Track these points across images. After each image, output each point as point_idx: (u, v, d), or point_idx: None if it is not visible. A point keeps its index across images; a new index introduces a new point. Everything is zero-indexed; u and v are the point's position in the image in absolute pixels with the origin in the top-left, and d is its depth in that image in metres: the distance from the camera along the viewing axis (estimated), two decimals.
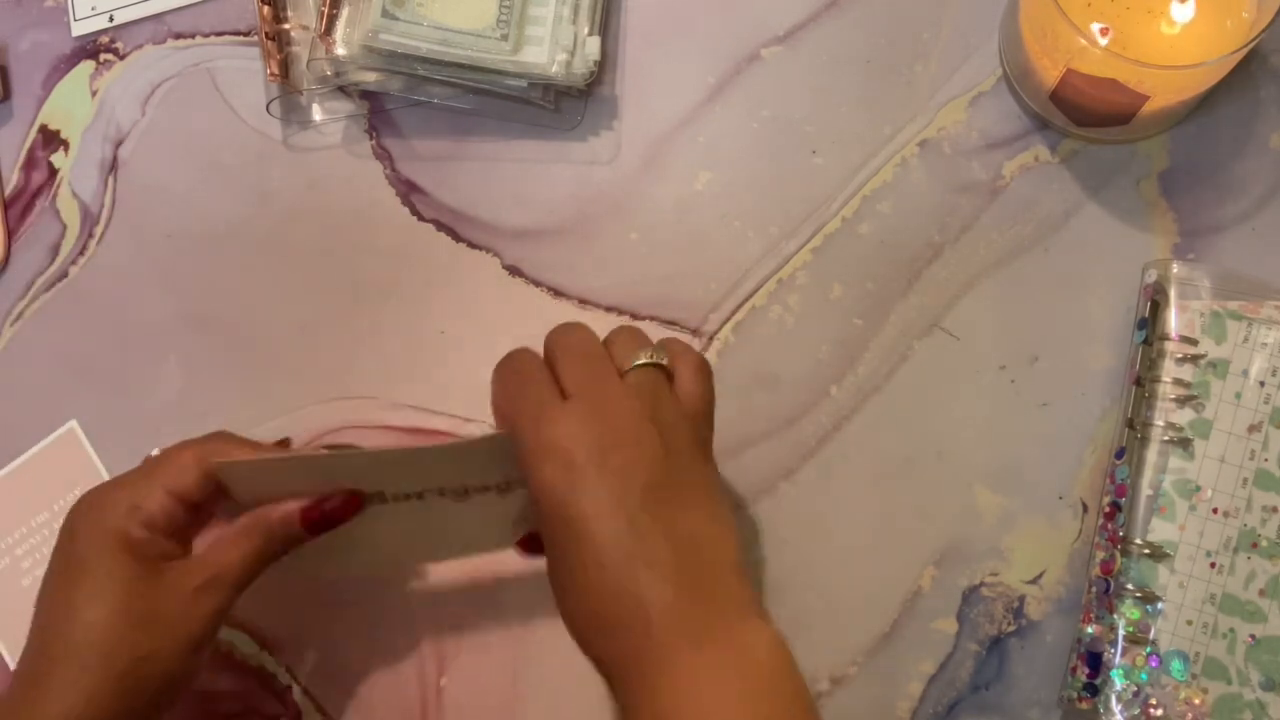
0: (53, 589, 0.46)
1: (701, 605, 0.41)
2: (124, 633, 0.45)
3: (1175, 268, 0.53)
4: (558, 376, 0.45)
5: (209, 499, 0.49)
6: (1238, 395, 0.52)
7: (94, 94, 0.63)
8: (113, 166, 0.62)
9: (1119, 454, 0.53)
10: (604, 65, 0.60)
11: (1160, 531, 0.51)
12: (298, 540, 0.49)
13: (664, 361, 0.46)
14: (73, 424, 0.60)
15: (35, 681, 0.44)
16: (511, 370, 0.47)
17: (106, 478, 0.59)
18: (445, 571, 0.56)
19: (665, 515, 0.42)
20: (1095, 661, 0.51)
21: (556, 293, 0.59)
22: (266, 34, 0.60)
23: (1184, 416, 0.52)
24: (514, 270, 0.59)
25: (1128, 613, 0.51)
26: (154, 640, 0.45)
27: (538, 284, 0.59)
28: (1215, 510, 0.51)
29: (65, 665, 0.44)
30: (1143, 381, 0.53)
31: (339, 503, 0.48)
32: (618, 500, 0.42)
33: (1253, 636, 0.50)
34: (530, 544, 0.51)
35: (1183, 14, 0.52)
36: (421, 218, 0.60)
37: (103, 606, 0.45)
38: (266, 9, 0.60)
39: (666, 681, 0.39)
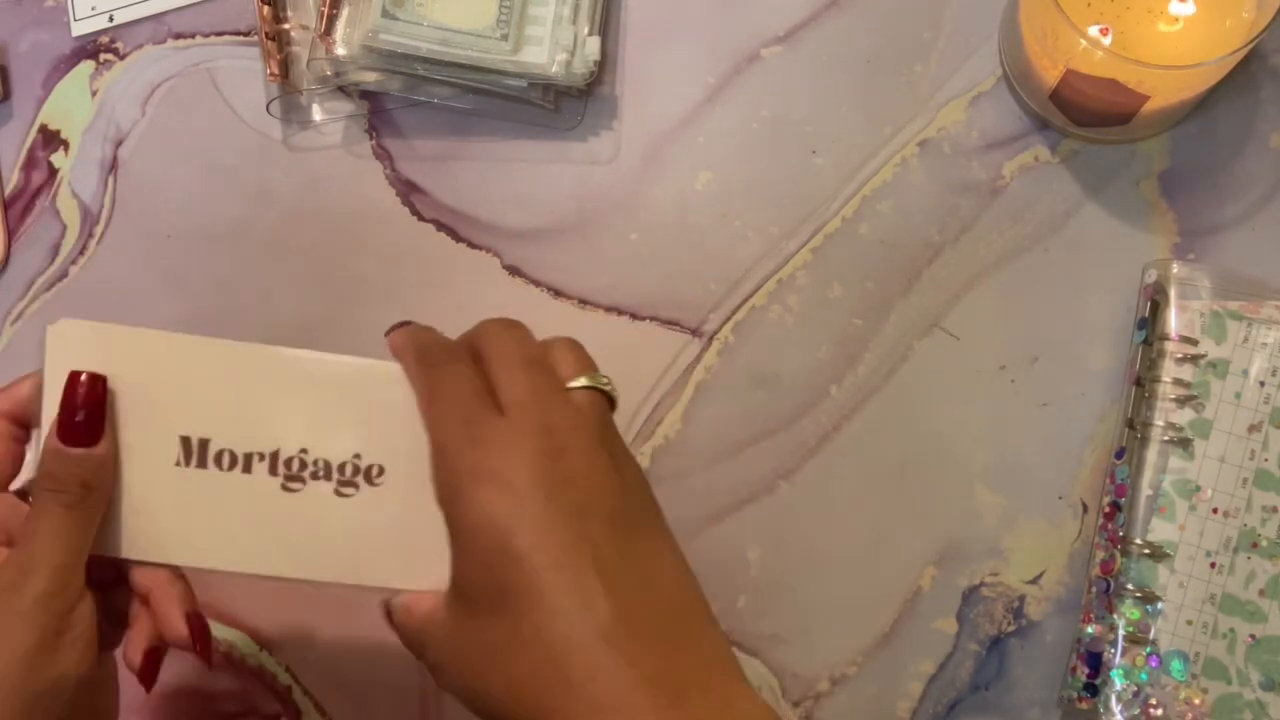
0: None
1: (682, 663, 0.35)
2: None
3: (1175, 268, 0.53)
4: (491, 382, 0.39)
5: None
6: (1238, 395, 0.52)
7: (94, 94, 0.63)
8: (113, 166, 0.62)
9: (1119, 454, 0.53)
10: (604, 65, 0.60)
11: (1160, 531, 0.51)
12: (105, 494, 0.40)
13: (609, 388, 0.40)
14: None
15: None
16: (435, 362, 0.39)
17: None
18: None
19: (631, 557, 0.36)
20: (1095, 661, 0.51)
21: (556, 293, 0.59)
22: (266, 34, 0.60)
23: (1184, 416, 0.52)
24: (514, 270, 0.59)
25: (1128, 613, 0.51)
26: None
27: (538, 284, 0.59)
28: (1215, 510, 0.51)
29: None
30: (1143, 381, 0.53)
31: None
32: (577, 536, 0.35)
33: (1253, 636, 0.50)
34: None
35: (1182, 9, 0.52)
36: (421, 218, 0.60)
37: None
38: (266, 9, 0.60)
39: None
